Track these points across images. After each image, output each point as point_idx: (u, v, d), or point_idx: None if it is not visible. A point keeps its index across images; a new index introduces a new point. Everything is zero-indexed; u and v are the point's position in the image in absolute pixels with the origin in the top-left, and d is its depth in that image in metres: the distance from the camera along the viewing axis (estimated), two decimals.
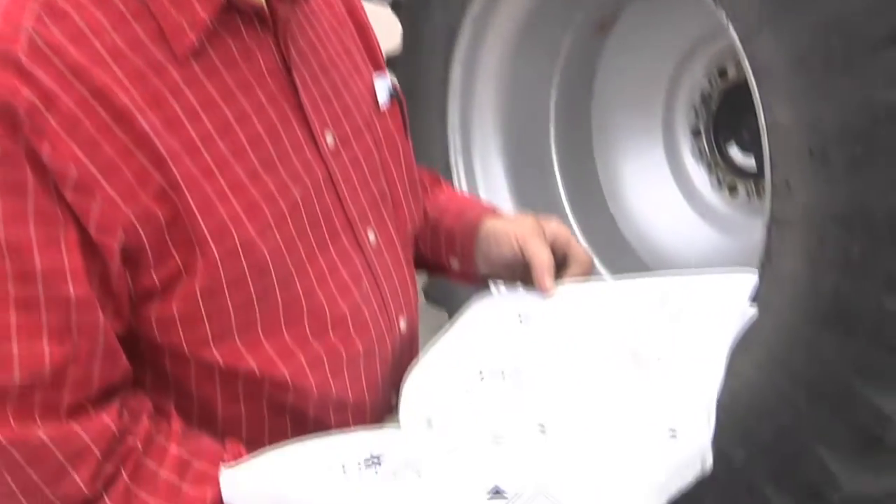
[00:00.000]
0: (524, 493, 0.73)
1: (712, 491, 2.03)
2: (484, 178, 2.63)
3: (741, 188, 2.45)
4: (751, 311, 1.01)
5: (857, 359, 1.72)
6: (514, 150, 2.65)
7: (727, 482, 1.93)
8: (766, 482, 1.93)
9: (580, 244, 1.17)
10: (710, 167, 2.52)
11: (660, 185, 2.60)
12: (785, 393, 1.84)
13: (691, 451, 0.81)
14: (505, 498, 0.72)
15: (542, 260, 1.09)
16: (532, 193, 2.61)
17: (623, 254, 2.55)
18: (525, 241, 1.11)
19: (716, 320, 0.97)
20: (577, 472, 0.77)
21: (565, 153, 2.70)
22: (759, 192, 2.39)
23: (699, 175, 2.56)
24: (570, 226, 2.63)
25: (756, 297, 1.81)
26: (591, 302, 1.08)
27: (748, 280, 1.02)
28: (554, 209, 2.58)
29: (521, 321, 1.07)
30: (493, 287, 1.19)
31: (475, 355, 1.00)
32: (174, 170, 0.80)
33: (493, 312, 1.12)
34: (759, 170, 2.38)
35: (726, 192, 2.49)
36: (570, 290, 1.12)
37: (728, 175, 2.49)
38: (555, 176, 2.69)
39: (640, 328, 0.98)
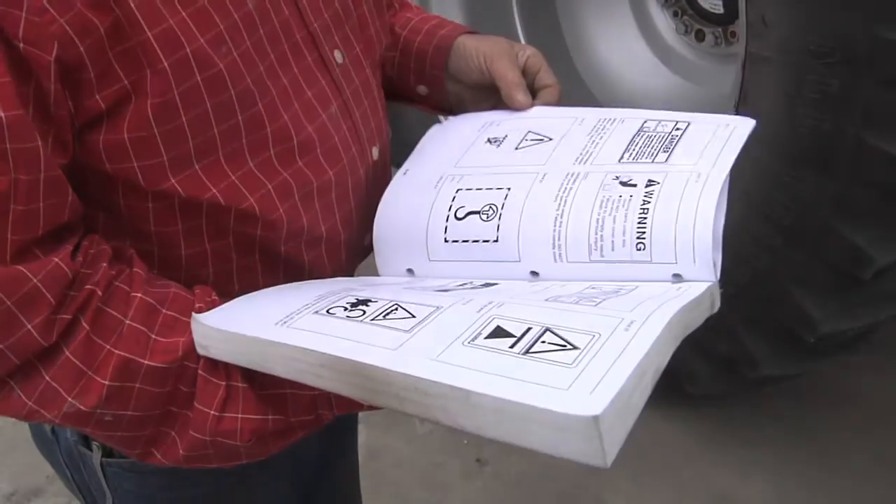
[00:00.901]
0: (529, 332, 0.67)
1: (687, 337, 2.04)
2: None
3: (708, 34, 2.38)
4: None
5: (835, 197, 1.70)
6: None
7: (702, 327, 1.91)
8: (741, 326, 1.93)
9: (552, 73, 1.07)
10: (677, 13, 2.44)
11: (624, 33, 2.51)
12: (762, 235, 1.82)
13: (698, 293, 0.76)
14: (511, 337, 0.66)
15: (510, 77, 1.02)
16: None
17: (586, 104, 2.48)
18: (493, 61, 1.04)
19: (713, 149, 0.87)
20: (583, 311, 0.72)
21: (526, 1, 2.59)
22: (728, 37, 2.33)
23: (664, 22, 2.48)
24: None
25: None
26: (571, 126, 0.98)
27: (747, 123, 0.92)
28: None
29: (490, 143, 0.98)
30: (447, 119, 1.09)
31: (448, 187, 0.92)
32: None
33: (459, 136, 1.02)
34: (728, 14, 2.32)
35: (693, 39, 2.42)
36: (543, 112, 1.02)
37: (694, 21, 2.41)
38: (515, 25, 2.59)
39: (630, 156, 0.90)
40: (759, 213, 1.80)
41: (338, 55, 0.91)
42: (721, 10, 2.33)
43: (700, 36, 2.39)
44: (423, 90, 1.11)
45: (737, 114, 1.80)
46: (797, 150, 1.71)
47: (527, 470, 2.26)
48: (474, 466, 2.30)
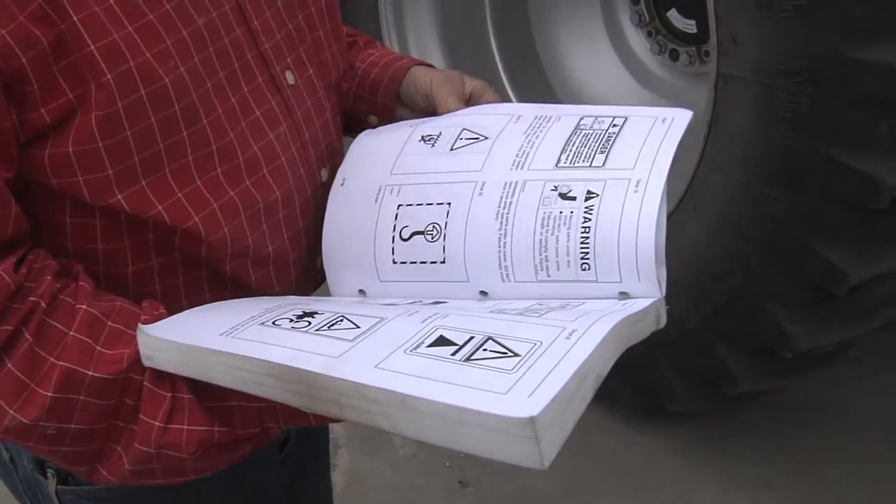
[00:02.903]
0: (471, 340, 0.67)
1: (665, 355, 2.06)
2: (419, 53, 2.53)
3: (682, 53, 2.40)
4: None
5: (808, 214, 1.71)
6: (448, 22, 2.55)
7: (680, 345, 1.93)
8: (719, 343, 1.94)
9: (497, 96, 1.07)
10: (651, 33, 2.45)
11: (599, 54, 2.53)
12: (737, 254, 1.83)
13: (644, 307, 0.76)
14: (453, 345, 0.66)
15: (450, 100, 1.02)
16: (469, 67, 2.51)
17: None
18: (438, 87, 1.05)
19: (650, 150, 0.86)
20: (527, 321, 0.72)
21: (501, 23, 2.61)
22: (701, 57, 2.34)
23: (639, 42, 2.49)
24: (508, 99, 2.57)
25: (703, 154, 1.83)
26: (506, 124, 0.95)
27: (684, 115, 0.90)
28: (492, 81, 2.49)
29: (424, 142, 0.96)
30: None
31: (389, 202, 0.91)
32: None
33: (392, 136, 1.00)
34: (701, 33, 2.34)
35: (667, 58, 2.43)
36: (479, 109, 1.00)
37: (668, 40, 2.42)
38: (491, 47, 2.60)
39: (567, 158, 0.88)
40: (733, 231, 1.81)
41: (289, 76, 0.92)
42: (695, 30, 2.35)
43: (674, 55, 2.41)
44: (374, 121, 1.12)
45: (709, 133, 1.84)
46: (770, 167, 1.73)
47: (509, 491, 2.25)
48: (457, 488, 2.28)
